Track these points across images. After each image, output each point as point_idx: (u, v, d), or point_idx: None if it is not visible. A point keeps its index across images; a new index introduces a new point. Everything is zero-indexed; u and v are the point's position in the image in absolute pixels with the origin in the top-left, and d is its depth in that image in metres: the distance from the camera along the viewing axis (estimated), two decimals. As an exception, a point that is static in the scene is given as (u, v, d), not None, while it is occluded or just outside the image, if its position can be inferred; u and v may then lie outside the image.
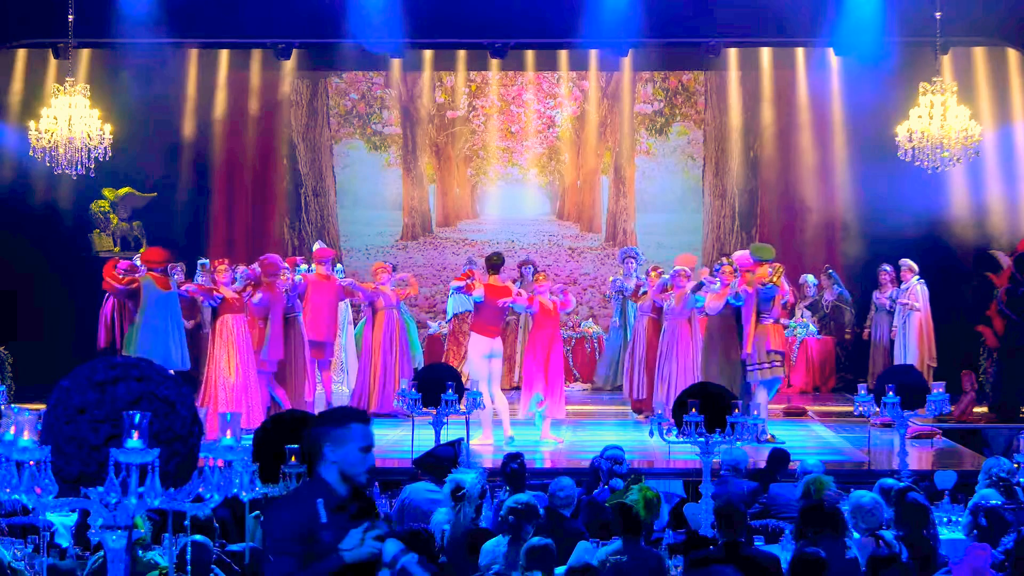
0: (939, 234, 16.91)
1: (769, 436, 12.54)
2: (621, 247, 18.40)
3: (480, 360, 12.81)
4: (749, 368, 12.91)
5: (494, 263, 13.12)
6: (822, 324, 17.77)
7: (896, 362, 14.88)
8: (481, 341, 12.83)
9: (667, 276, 14.15)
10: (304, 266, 14.86)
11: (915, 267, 15.15)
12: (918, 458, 12.21)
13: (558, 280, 18.15)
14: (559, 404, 13.29)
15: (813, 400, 16.71)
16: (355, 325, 17.19)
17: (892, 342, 15.69)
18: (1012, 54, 16.84)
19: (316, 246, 15.59)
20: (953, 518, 8.68)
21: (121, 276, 13.60)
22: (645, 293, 14.65)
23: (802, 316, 17.58)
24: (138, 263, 13.90)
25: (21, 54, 17.51)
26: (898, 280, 15.72)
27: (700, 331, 13.73)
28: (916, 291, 15.05)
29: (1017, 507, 8.14)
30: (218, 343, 13.22)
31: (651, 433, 9.00)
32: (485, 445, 12.42)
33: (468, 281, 13.01)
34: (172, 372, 3.91)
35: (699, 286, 13.54)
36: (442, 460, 8.60)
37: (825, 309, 17.78)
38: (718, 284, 13.39)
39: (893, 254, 15.91)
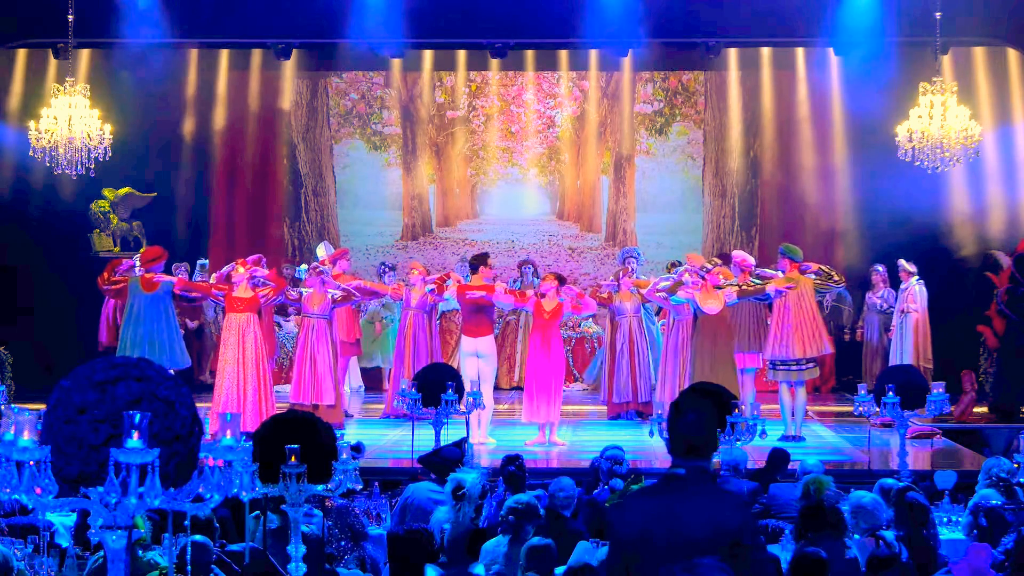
0: (939, 234, 16.92)
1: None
2: (621, 247, 18.38)
3: (464, 359, 12.97)
4: (796, 368, 12.90)
5: (472, 263, 13.29)
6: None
7: (892, 363, 14.90)
8: (464, 341, 13.12)
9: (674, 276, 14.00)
10: (304, 266, 14.85)
11: (912, 268, 15.17)
12: (918, 458, 12.20)
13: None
14: (549, 407, 12.92)
15: (813, 400, 16.65)
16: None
17: (889, 342, 15.72)
18: (1012, 54, 16.84)
19: (321, 250, 15.35)
20: (953, 518, 8.68)
21: (117, 277, 13.61)
22: (608, 295, 14.59)
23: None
24: (136, 263, 13.91)
25: (21, 54, 17.50)
26: (892, 281, 15.75)
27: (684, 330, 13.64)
28: (914, 292, 15.07)
29: (1017, 507, 8.14)
30: (220, 341, 13.25)
31: (651, 433, 9.01)
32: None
33: (444, 284, 13.18)
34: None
35: (677, 285, 13.40)
36: (447, 460, 8.61)
37: (826, 309, 17.76)
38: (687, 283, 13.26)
39: (893, 254, 15.90)
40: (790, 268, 13.06)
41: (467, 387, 11.58)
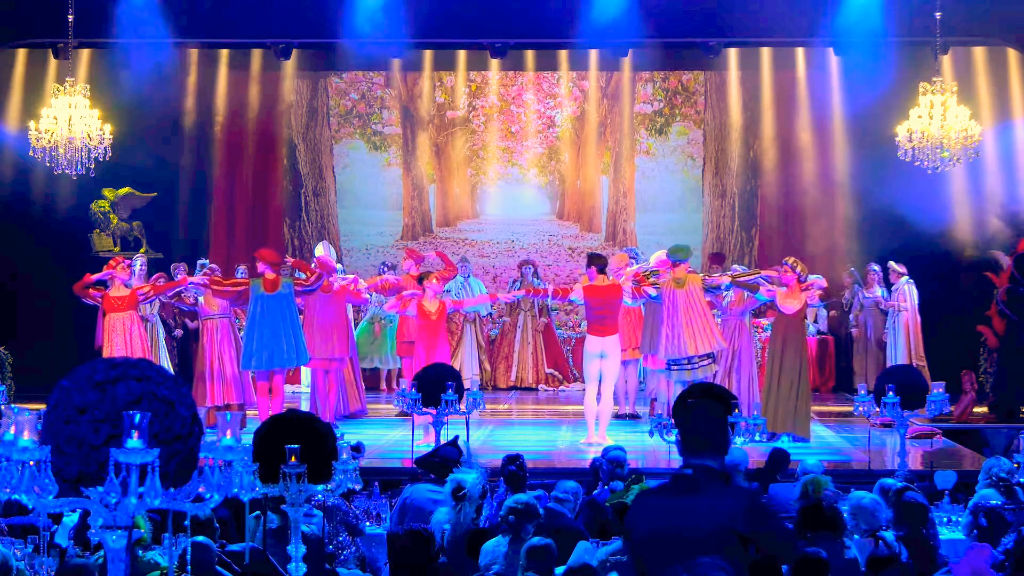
0: (939, 234, 16.90)
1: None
2: (621, 247, 18.38)
3: (588, 359, 12.90)
4: (689, 367, 12.76)
5: (598, 264, 13.06)
6: (839, 323, 17.72)
7: (888, 363, 14.94)
8: (590, 340, 13.00)
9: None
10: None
11: (902, 269, 15.29)
12: (918, 458, 12.20)
13: (558, 280, 18.15)
14: None
15: (813, 400, 16.65)
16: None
17: (884, 342, 15.78)
18: (1012, 54, 16.84)
19: (320, 250, 15.28)
20: (953, 518, 8.68)
21: (239, 279, 13.46)
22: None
23: (815, 318, 17.46)
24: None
25: (21, 54, 17.51)
26: (887, 282, 15.81)
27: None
28: (904, 291, 15.21)
29: (1017, 507, 8.14)
30: (105, 344, 13.01)
31: (651, 433, 9.01)
32: (589, 445, 12.44)
33: (570, 288, 13.19)
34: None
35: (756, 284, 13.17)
36: (446, 460, 8.61)
37: (845, 308, 17.67)
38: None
39: (892, 254, 15.93)
40: (674, 269, 12.87)
41: (589, 386, 12.57)
